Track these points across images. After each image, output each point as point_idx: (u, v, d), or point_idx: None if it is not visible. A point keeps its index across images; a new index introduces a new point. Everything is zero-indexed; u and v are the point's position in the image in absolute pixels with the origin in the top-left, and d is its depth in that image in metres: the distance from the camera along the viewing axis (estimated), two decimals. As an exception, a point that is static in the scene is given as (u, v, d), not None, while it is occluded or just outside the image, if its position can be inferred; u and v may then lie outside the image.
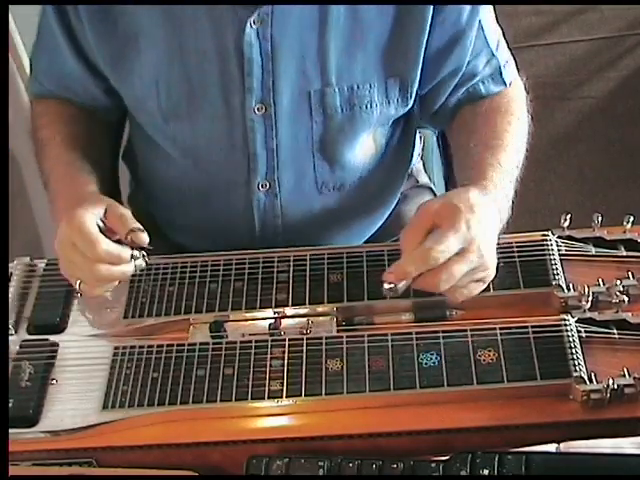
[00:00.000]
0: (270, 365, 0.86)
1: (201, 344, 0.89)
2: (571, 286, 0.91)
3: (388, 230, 1.17)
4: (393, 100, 0.99)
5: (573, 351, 0.84)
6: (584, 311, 0.89)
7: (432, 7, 0.93)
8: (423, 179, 1.28)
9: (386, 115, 1.01)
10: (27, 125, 1.08)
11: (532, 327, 0.87)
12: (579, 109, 2.37)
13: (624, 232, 0.96)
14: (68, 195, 0.95)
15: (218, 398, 0.84)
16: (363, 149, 1.05)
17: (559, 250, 0.95)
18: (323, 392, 0.84)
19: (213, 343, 0.89)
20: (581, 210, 1.96)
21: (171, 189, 1.11)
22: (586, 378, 0.82)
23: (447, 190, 1.30)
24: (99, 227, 0.88)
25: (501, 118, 1.01)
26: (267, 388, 0.85)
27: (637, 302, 0.90)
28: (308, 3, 0.90)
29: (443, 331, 0.87)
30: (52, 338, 0.93)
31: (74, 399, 0.87)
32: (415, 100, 1.02)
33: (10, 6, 1.17)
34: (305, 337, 0.89)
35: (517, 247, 0.95)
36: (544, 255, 0.94)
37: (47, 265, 1.00)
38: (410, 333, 0.88)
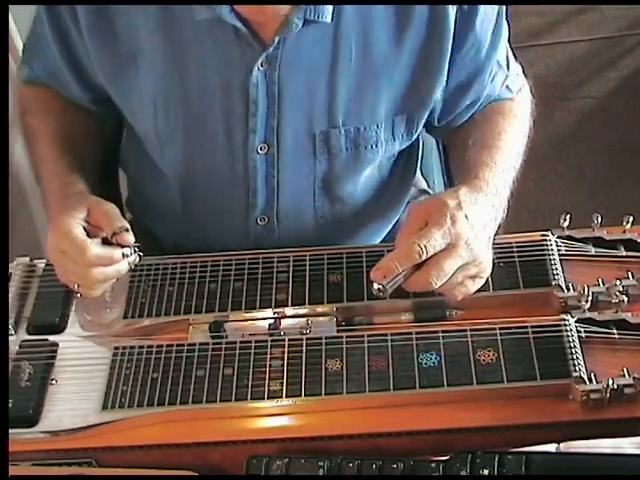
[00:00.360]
0: (270, 365, 0.86)
1: (201, 344, 0.89)
2: (571, 286, 0.91)
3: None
4: (398, 136, 0.98)
5: (573, 351, 0.84)
6: (584, 311, 0.89)
7: (452, 42, 0.91)
8: (421, 185, 1.28)
9: (391, 151, 1.00)
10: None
11: (532, 327, 0.87)
12: (579, 109, 2.37)
13: (624, 232, 0.96)
14: (56, 196, 0.94)
15: (218, 398, 0.84)
16: (366, 182, 1.04)
17: (559, 250, 0.95)
18: (323, 392, 0.84)
19: (213, 343, 0.89)
20: (581, 210, 1.94)
21: (163, 206, 1.10)
22: (586, 378, 0.82)
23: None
24: (85, 229, 0.88)
25: (502, 119, 1.01)
26: (267, 388, 0.85)
27: (637, 302, 0.90)
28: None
29: (443, 331, 0.87)
30: (52, 338, 0.93)
31: (74, 399, 0.87)
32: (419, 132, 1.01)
33: (10, 6, 1.17)
34: (305, 337, 0.89)
35: (517, 247, 0.95)
36: (544, 255, 0.94)
37: (47, 265, 0.99)
38: (410, 333, 0.88)
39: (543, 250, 0.95)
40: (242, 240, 1.05)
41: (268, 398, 0.84)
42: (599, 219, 0.96)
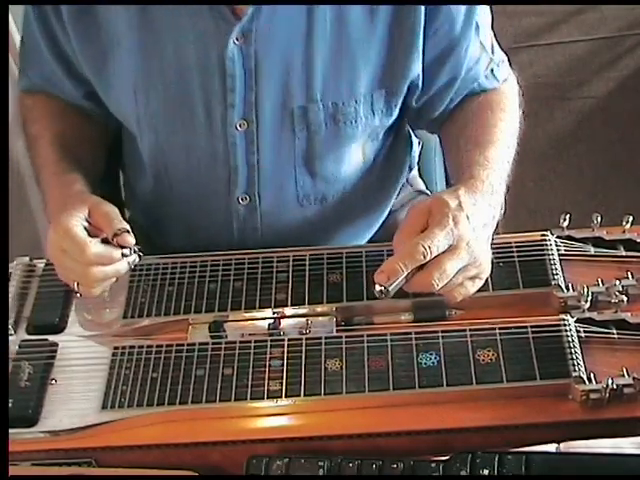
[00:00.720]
0: (269, 365, 0.86)
1: (200, 344, 0.89)
2: (570, 286, 0.91)
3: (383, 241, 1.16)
4: (377, 112, 0.98)
5: (572, 351, 0.84)
6: (583, 311, 0.89)
7: (424, 18, 0.92)
8: (419, 185, 1.27)
9: (371, 126, 1.00)
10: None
11: (531, 327, 0.87)
12: (579, 109, 2.37)
13: (623, 232, 0.96)
14: (56, 196, 0.95)
15: (217, 398, 0.84)
16: (351, 161, 1.04)
17: (558, 250, 0.95)
18: (322, 392, 0.84)
19: (212, 343, 0.89)
20: (581, 210, 1.96)
21: (149, 194, 1.10)
22: (585, 378, 0.82)
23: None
24: (86, 229, 0.88)
25: (492, 114, 1.01)
26: (266, 388, 0.85)
27: (636, 302, 0.90)
28: (293, 3, 0.89)
29: (442, 331, 0.87)
30: (51, 338, 0.93)
31: (73, 399, 0.87)
32: (401, 110, 1.01)
33: (10, 6, 1.17)
34: (304, 337, 0.89)
35: (516, 247, 0.95)
36: (543, 255, 0.94)
37: (46, 265, 1.00)
38: (409, 333, 0.88)
39: (543, 250, 0.95)
40: (225, 224, 1.05)
41: (268, 398, 0.84)
42: (599, 219, 0.96)
